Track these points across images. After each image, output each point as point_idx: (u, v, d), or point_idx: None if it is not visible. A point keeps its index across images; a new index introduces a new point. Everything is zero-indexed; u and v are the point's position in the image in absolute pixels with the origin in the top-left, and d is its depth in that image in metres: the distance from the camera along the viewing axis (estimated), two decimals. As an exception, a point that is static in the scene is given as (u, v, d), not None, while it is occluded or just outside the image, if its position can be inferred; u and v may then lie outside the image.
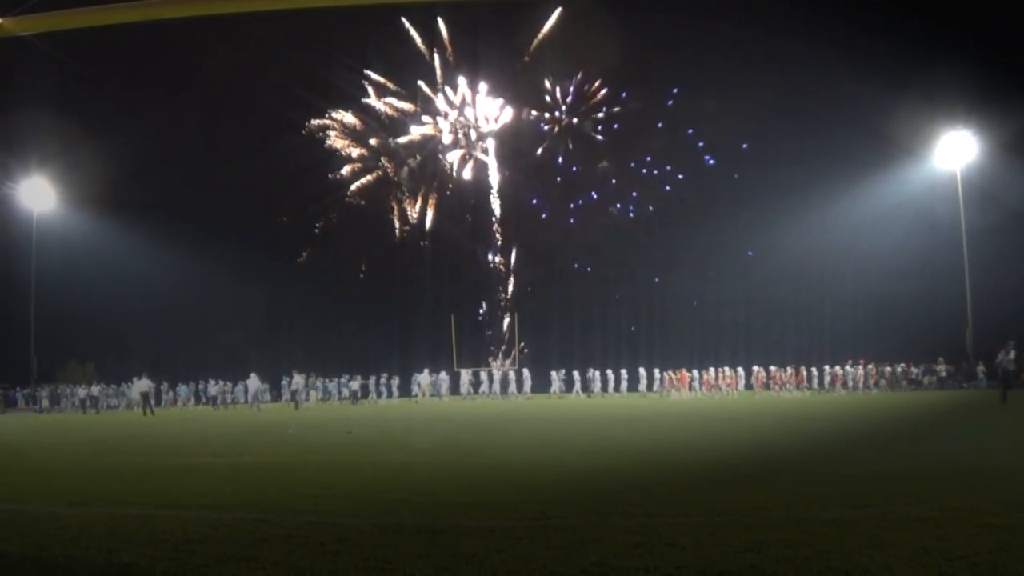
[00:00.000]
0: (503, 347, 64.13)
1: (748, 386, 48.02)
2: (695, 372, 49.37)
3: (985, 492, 8.94)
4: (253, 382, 44.94)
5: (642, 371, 50.56)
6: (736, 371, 48.12)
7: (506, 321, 66.00)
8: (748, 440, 17.06)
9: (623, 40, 58.72)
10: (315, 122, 65.98)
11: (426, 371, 49.28)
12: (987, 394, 39.50)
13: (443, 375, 51.20)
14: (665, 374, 49.09)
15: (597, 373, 50.58)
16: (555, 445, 16.53)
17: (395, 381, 51.56)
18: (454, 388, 52.07)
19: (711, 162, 64.50)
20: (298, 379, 44.09)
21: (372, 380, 51.04)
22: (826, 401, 36.80)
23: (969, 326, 48.44)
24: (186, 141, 57.56)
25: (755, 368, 48.32)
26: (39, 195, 53.96)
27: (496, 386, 51.44)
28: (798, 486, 9.83)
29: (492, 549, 6.42)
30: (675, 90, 64.58)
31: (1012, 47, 48.63)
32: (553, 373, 51.56)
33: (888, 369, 47.81)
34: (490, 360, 59.51)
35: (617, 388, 49.74)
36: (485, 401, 47.47)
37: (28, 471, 13.70)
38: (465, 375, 53.24)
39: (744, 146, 62.24)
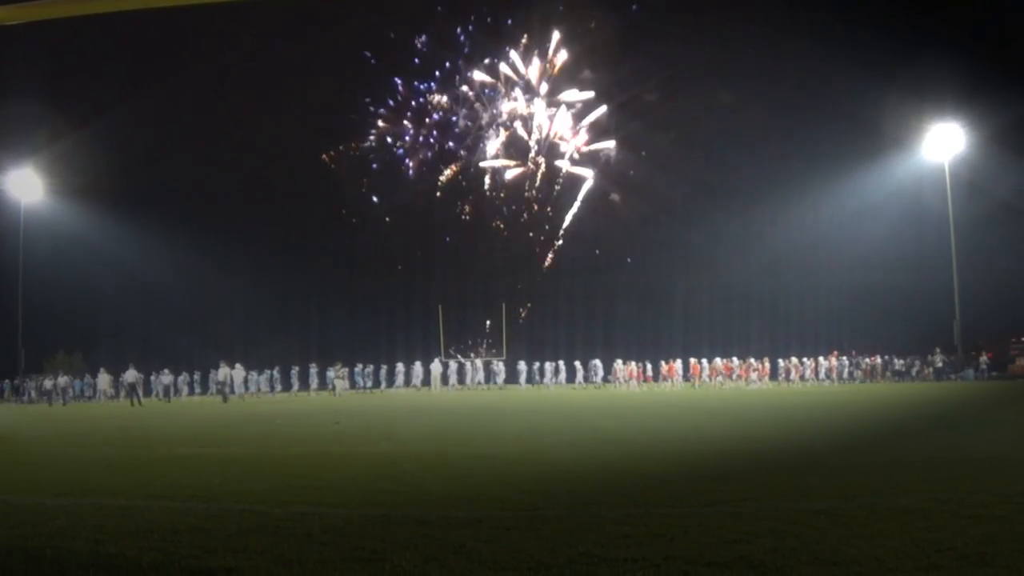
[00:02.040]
0: (485, 339, 63.77)
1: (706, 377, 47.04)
2: (645, 364, 48.20)
3: (974, 483, 8.98)
4: (238, 373, 44.68)
5: (597, 362, 49.02)
6: (700, 363, 47.05)
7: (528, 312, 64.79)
8: (735, 432, 17.06)
9: (609, 31, 58.73)
10: (326, 155, 64.21)
11: (436, 360, 49.34)
12: (977, 385, 39.66)
13: (452, 365, 51.32)
14: (629, 364, 47.33)
15: (551, 364, 49.77)
16: (543, 436, 16.51)
17: (414, 369, 50.94)
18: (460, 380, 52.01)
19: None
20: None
21: (360, 369, 50.89)
22: (807, 392, 36.79)
23: (957, 318, 48.62)
24: (177, 132, 57.02)
25: (717, 359, 47.35)
26: (27, 186, 53.46)
27: (454, 377, 51.23)
28: (787, 477, 9.86)
29: (480, 539, 6.42)
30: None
31: (1000, 39, 48.70)
32: (500, 363, 51.45)
33: (868, 360, 47.86)
34: (477, 349, 59.44)
35: (571, 379, 48.55)
36: (463, 392, 47.17)
37: (14, 462, 13.63)
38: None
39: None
